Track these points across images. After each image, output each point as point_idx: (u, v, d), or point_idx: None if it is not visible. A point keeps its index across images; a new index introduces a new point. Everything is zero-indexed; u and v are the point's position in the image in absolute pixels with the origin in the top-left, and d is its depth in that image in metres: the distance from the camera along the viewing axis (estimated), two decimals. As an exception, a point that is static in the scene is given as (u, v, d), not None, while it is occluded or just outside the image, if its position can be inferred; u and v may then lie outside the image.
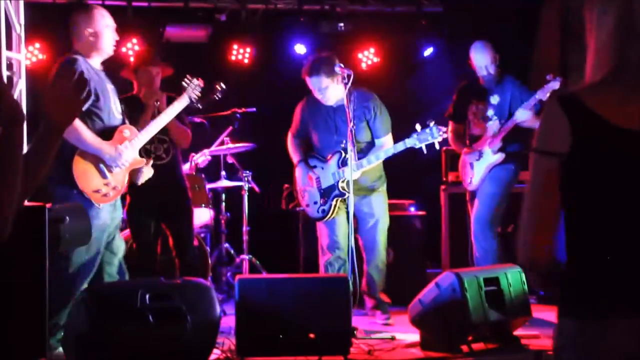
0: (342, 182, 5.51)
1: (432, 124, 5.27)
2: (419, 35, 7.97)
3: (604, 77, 1.87)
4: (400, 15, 7.91)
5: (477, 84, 5.92)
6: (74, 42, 4.60)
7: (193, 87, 5.03)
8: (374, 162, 5.46)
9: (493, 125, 5.79)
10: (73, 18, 4.66)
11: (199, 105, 5.04)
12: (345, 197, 5.47)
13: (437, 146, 5.33)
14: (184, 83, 4.98)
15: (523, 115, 5.60)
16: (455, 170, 6.39)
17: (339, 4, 7.76)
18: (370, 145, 5.62)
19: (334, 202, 5.57)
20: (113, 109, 4.69)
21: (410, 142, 5.30)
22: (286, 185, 5.97)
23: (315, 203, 5.67)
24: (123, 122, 4.80)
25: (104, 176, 4.58)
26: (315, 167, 5.70)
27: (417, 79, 7.91)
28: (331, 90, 5.48)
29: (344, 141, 5.34)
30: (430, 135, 5.26)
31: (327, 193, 5.62)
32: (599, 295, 1.86)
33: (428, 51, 7.99)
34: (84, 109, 4.18)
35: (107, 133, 4.63)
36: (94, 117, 4.56)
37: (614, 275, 1.85)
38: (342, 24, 7.78)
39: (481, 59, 5.80)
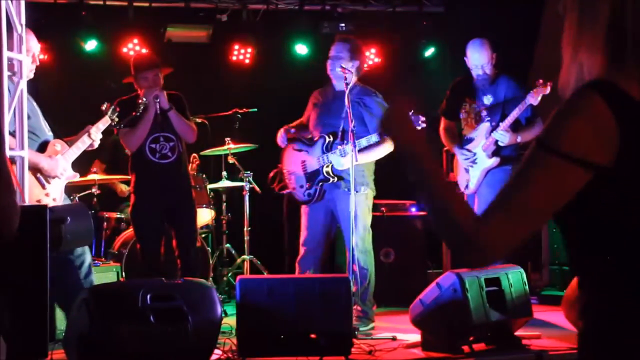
0: (327, 167, 5.54)
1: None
2: (420, 36, 7.97)
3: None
4: (402, 15, 7.92)
5: (472, 82, 5.80)
6: None
7: (112, 112, 5.22)
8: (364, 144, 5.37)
9: (483, 127, 5.71)
10: None
11: (119, 126, 5.37)
12: (330, 181, 5.52)
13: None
14: (103, 108, 5.20)
15: (501, 137, 5.58)
16: (456, 171, 6.36)
17: (340, 4, 7.76)
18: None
19: (319, 187, 5.60)
20: (42, 125, 4.88)
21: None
22: (280, 166, 5.91)
23: (302, 187, 5.68)
24: (54, 137, 4.95)
25: (43, 186, 4.77)
26: (300, 150, 5.72)
27: (419, 80, 7.91)
28: (345, 65, 5.44)
29: (335, 131, 5.45)
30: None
31: (312, 177, 5.63)
32: None
33: (429, 51, 8.00)
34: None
35: (41, 149, 4.83)
36: (29, 135, 4.68)
37: None
38: (343, 24, 7.79)
39: (477, 58, 5.65)
